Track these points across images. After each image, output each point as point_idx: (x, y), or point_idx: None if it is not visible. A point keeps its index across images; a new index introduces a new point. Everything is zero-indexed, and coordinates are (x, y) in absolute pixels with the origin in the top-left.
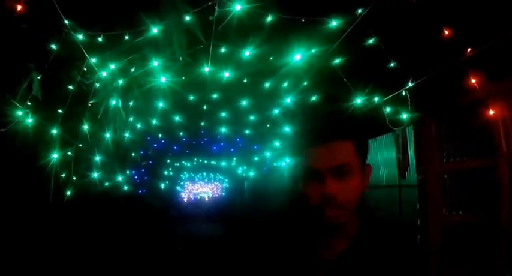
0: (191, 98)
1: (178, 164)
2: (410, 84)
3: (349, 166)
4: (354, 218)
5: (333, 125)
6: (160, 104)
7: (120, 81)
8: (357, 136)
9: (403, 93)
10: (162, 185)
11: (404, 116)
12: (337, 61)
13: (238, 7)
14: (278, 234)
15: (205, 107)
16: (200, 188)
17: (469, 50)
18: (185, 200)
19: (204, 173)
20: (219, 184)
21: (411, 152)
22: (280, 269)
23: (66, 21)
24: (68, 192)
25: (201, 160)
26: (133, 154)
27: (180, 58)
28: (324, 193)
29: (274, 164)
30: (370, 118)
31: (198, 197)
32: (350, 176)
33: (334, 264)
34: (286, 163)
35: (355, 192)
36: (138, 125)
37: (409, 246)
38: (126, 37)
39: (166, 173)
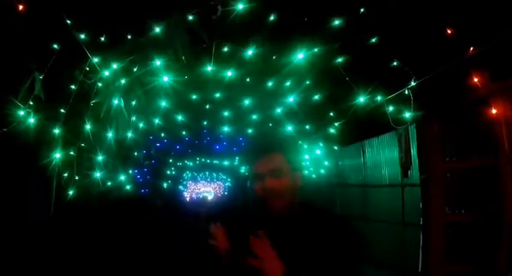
0: (194, 97)
1: (180, 164)
2: (413, 83)
3: (281, 170)
4: (292, 209)
5: (268, 145)
6: (163, 104)
7: (123, 81)
8: (285, 151)
9: (406, 92)
10: (165, 185)
11: (407, 115)
12: (339, 60)
13: (240, 6)
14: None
15: (207, 107)
16: (203, 188)
17: (471, 49)
18: (187, 199)
19: (207, 173)
20: (221, 183)
21: (414, 151)
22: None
23: (69, 21)
24: (71, 192)
25: (203, 159)
26: (135, 154)
27: (183, 57)
28: (265, 188)
29: None
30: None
31: (201, 197)
32: (282, 176)
33: (280, 235)
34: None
35: (288, 188)
36: (141, 125)
37: (337, 227)
38: (129, 36)
39: (168, 172)
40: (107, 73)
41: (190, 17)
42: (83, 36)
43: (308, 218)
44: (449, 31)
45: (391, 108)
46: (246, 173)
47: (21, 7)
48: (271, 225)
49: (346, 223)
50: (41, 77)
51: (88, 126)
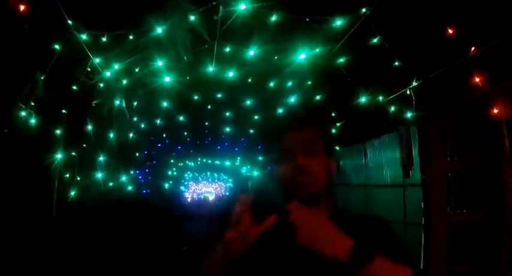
0: (195, 97)
1: (182, 164)
2: (414, 83)
3: (316, 145)
4: (325, 205)
5: (302, 115)
6: (165, 104)
7: (124, 81)
8: (321, 125)
9: (408, 92)
10: (166, 185)
11: (409, 115)
12: (341, 60)
13: (242, 7)
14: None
15: (209, 107)
16: (204, 188)
17: (472, 49)
18: (189, 200)
19: (208, 173)
20: (223, 184)
21: (415, 151)
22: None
23: (70, 21)
24: (72, 193)
25: (204, 160)
26: (137, 154)
27: (185, 58)
28: (296, 164)
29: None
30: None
31: (202, 197)
32: (317, 155)
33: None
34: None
35: (323, 169)
36: (142, 125)
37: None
38: (130, 37)
39: (170, 173)
40: (108, 74)
41: (193, 17)
42: (84, 36)
43: (344, 221)
44: (450, 31)
45: (392, 108)
46: (248, 174)
47: (22, 8)
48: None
49: (391, 229)
50: (42, 78)
51: (89, 127)
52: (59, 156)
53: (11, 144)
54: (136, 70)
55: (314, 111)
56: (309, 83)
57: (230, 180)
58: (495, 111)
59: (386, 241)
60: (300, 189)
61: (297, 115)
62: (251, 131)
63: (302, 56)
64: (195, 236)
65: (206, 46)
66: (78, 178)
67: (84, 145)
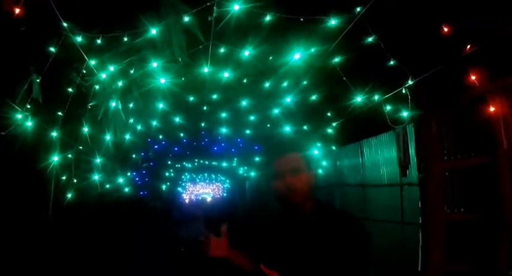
0: (191, 99)
1: (179, 166)
2: (410, 82)
3: (299, 168)
4: (308, 204)
5: (288, 146)
6: (160, 105)
7: (120, 83)
8: (303, 151)
9: (404, 91)
10: (164, 187)
11: (405, 114)
12: (336, 60)
13: (236, 7)
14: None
15: (205, 108)
16: (201, 189)
17: (468, 47)
18: (186, 201)
19: (205, 174)
20: (220, 185)
21: (412, 150)
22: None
23: (65, 24)
24: (69, 195)
25: (202, 161)
26: (134, 156)
27: (180, 59)
28: (286, 184)
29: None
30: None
31: (200, 198)
32: (300, 174)
33: (298, 229)
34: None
35: (304, 184)
36: (138, 127)
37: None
38: (125, 38)
39: (167, 174)
40: (104, 75)
41: (187, 18)
42: (79, 38)
43: (323, 214)
44: (446, 29)
45: (388, 107)
46: (245, 174)
47: (18, 10)
48: (290, 218)
49: (360, 223)
50: (38, 80)
51: (86, 129)
52: (55, 158)
53: (7, 147)
54: (132, 71)
55: (297, 141)
56: (305, 82)
57: (227, 180)
58: (491, 109)
59: (355, 235)
60: (289, 199)
61: (285, 145)
62: (247, 131)
63: (297, 55)
64: (193, 237)
65: (201, 47)
66: (75, 180)
67: (81, 147)
